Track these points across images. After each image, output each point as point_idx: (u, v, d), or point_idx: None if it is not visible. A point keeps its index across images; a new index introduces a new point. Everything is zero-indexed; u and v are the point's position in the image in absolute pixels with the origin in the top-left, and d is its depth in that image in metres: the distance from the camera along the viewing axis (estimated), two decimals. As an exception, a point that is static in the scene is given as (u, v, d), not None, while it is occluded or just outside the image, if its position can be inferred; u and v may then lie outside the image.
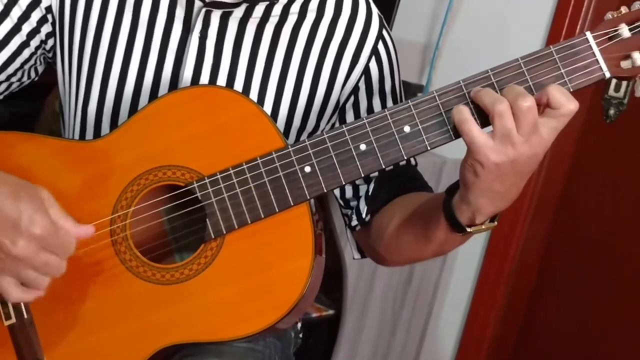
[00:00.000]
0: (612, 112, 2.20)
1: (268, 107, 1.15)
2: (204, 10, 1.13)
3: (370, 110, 1.19)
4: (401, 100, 1.21)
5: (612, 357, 2.19)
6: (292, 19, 1.16)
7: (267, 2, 1.15)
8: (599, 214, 2.23)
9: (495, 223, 0.99)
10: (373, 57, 1.19)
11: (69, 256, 0.96)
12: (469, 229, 0.98)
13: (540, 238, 2.31)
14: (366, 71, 1.19)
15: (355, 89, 1.20)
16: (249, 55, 1.15)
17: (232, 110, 1.03)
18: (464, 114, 0.93)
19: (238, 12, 1.14)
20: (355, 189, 1.20)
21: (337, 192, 1.22)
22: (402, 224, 1.09)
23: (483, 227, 0.98)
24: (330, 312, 2.06)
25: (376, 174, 1.17)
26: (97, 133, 1.15)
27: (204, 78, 1.13)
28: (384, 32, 1.21)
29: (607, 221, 2.21)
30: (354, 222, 1.19)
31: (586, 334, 2.23)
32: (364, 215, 1.17)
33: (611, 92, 2.20)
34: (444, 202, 0.99)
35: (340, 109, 1.21)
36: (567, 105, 0.90)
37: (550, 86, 0.91)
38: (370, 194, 1.17)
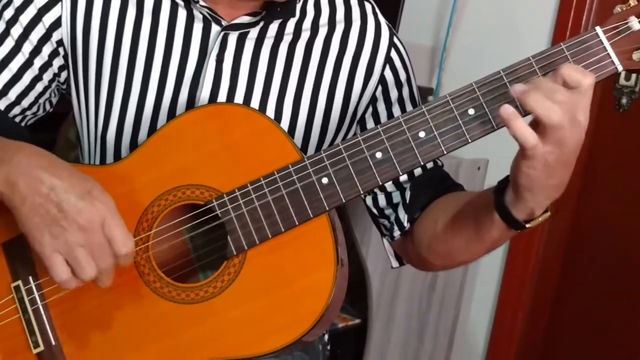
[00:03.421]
0: (624, 101, 2.19)
1: (285, 124, 1.16)
2: (221, 34, 1.14)
3: (391, 117, 1.19)
4: (419, 104, 1.21)
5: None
6: (305, 35, 1.17)
7: (281, 20, 1.16)
8: (618, 204, 2.22)
9: (549, 213, 0.98)
10: (387, 66, 1.20)
11: (124, 256, 0.97)
12: (527, 225, 0.98)
13: (562, 233, 2.30)
14: (382, 80, 1.20)
15: (373, 99, 1.20)
16: (265, 75, 1.15)
17: (247, 126, 1.03)
18: (510, 113, 0.90)
19: (253, 33, 1.15)
20: (388, 196, 1.20)
21: (369, 201, 1.22)
22: (450, 230, 1.09)
23: (540, 219, 0.98)
24: (357, 321, 2.05)
25: (406, 178, 1.17)
26: (117, 159, 1.16)
27: (221, 100, 1.14)
28: (395, 40, 1.21)
29: (627, 210, 2.19)
30: (396, 233, 1.18)
31: (615, 327, 2.21)
32: (404, 224, 1.17)
33: (622, 81, 2.19)
34: (497, 205, 0.98)
35: (360, 120, 1.21)
36: (584, 80, 0.89)
37: (561, 67, 0.90)
38: (408, 202, 1.17)
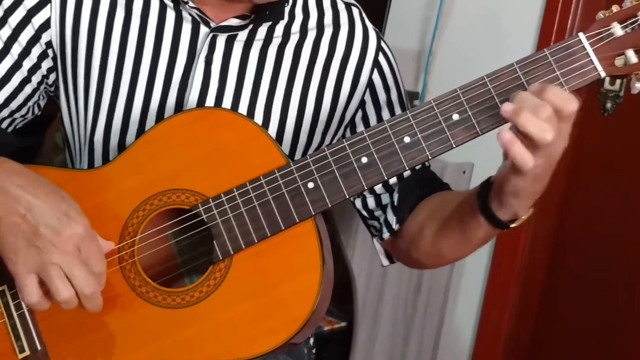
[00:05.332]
0: (609, 105, 2.20)
1: (274, 126, 1.16)
2: (210, 35, 1.14)
3: (380, 121, 1.20)
4: (408, 108, 1.22)
5: (629, 349, 2.18)
6: (294, 38, 1.18)
7: (270, 23, 1.16)
8: (603, 206, 2.22)
9: (532, 210, 1.01)
10: (375, 70, 1.21)
11: (96, 275, 0.96)
12: (512, 225, 1.01)
13: (547, 233, 2.31)
14: (370, 84, 1.21)
15: (362, 102, 1.21)
16: (254, 77, 1.16)
17: (234, 131, 1.03)
18: (508, 139, 0.91)
19: (242, 36, 1.15)
20: (377, 198, 1.21)
21: (359, 204, 1.23)
22: (438, 233, 1.11)
23: (524, 217, 1.01)
24: (342, 324, 2.05)
25: (395, 180, 1.18)
26: (105, 161, 1.16)
27: (210, 102, 1.14)
28: (383, 44, 1.23)
29: (612, 213, 2.21)
30: (385, 234, 1.20)
31: (601, 326, 2.22)
32: (393, 225, 1.18)
33: (607, 85, 2.20)
34: (482, 209, 1.01)
35: (350, 123, 1.22)
36: (568, 107, 0.91)
37: (547, 91, 0.91)
38: (396, 203, 1.18)
